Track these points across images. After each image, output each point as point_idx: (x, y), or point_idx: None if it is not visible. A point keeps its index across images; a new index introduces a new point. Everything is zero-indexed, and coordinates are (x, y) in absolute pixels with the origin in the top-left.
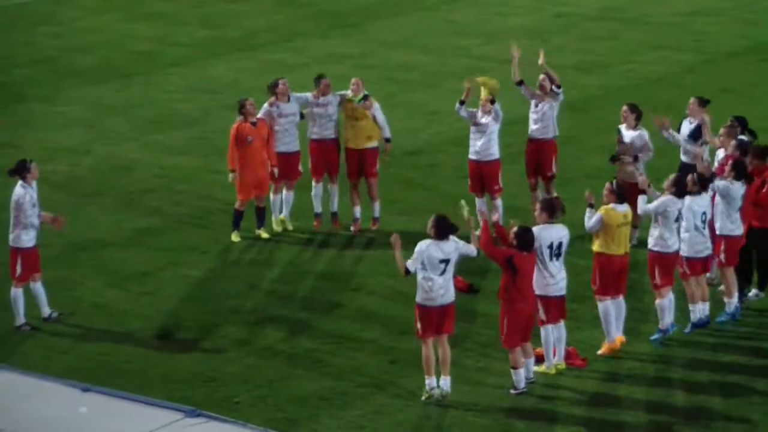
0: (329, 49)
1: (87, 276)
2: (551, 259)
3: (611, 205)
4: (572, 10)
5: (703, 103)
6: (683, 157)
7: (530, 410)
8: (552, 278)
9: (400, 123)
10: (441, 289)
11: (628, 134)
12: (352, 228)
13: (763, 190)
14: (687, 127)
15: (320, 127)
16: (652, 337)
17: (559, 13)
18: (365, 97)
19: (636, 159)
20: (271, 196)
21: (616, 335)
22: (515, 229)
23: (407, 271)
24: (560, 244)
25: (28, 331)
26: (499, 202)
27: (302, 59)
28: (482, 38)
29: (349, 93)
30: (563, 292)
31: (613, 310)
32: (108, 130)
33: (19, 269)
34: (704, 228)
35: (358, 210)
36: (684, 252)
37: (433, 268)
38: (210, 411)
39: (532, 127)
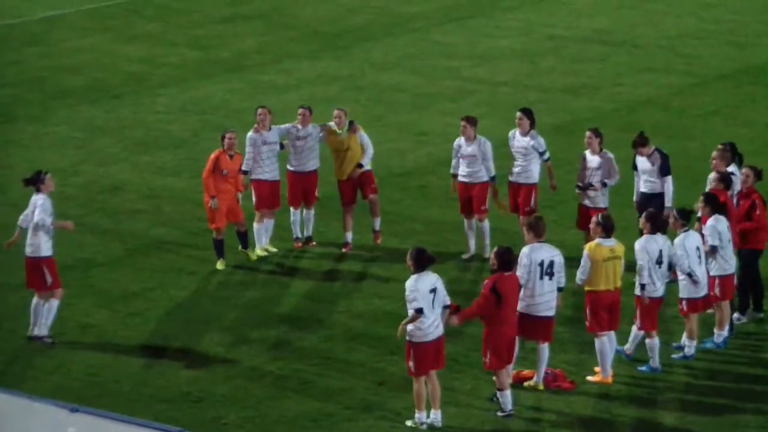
0: (319, 71)
1: (75, 296)
2: (542, 277)
3: (597, 240)
4: (562, 33)
5: (642, 141)
6: (643, 188)
7: None
8: (536, 297)
9: (389, 144)
10: (435, 322)
11: (593, 159)
12: (343, 249)
13: (757, 212)
14: (641, 162)
15: (299, 159)
16: (640, 368)
17: (549, 35)
18: (350, 124)
19: (604, 185)
20: (255, 225)
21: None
22: (495, 249)
23: (419, 311)
24: (551, 263)
25: (47, 344)
26: (486, 224)
27: (292, 81)
28: (472, 60)
29: (332, 125)
30: (550, 313)
31: (609, 346)
32: (97, 150)
33: (49, 278)
34: (701, 264)
35: (350, 235)
36: (682, 293)
37: (427, 301)
38: None
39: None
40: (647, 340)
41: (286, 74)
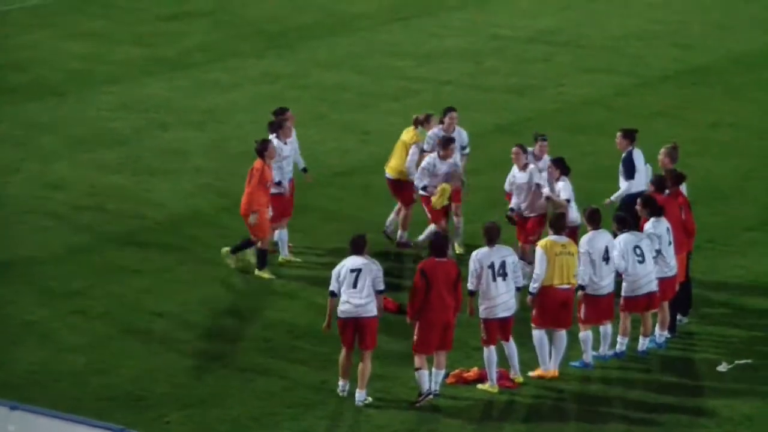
0: (263, 69)
1: (17, 293)
2: (494, 279)
3: (549, 237)
4: (506, 33)
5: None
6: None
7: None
8: (493, 300)
9: (332, 143)
10: (356, 299)
11: (520, 176)
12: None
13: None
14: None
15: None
16: (572, 363)
17: (494, 35)
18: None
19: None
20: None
21: (551, 368)
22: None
23: (332, 293)
24: (503, 264)
25: None
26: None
27: (236, 79)
28: (417, 60)
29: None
30: (507, 314)
31: (546, 339)
32: (39, 147)
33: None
34: (642, 262)
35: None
36: (623, 291)
37: (348, 280)
38: (139, 430)
39: None
40: (581, 333)
41: (230, 72)
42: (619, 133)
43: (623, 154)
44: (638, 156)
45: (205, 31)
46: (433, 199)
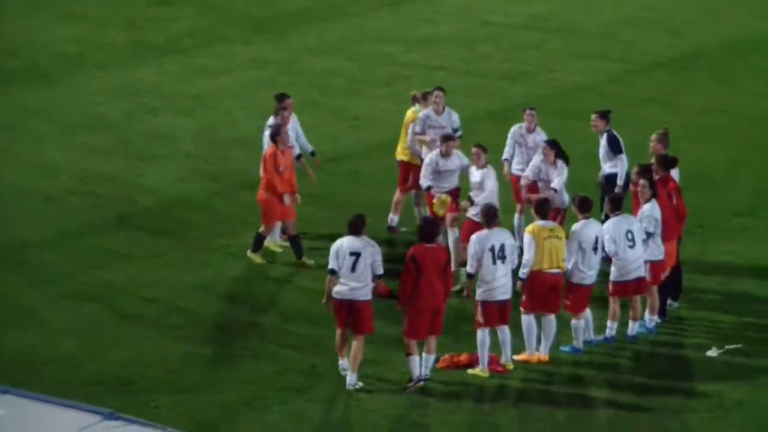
0: (252, 55)
1: (7, 277)
2: (494, 262)
3: (537, 222)
4: (499, 19)
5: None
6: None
7: (456, 416)
8: (492, 283)
9: (322, 130)
10: (352, 282)
11: (477, 173)
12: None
13: (674, 202)
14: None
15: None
16: (562, 348)
17: (486, 21)
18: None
19: (472, 202)
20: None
21: (540, 354)
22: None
23: (331, 271)
24: (502, 247)
25: None
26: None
27: (225, 64)
28: (408, 45)
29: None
30: (505, 297)
31: (535, 325)
32: (30, 131)
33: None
34: (633, 247)
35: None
36: (611, 275)
37: (345, 262)
38: (129, 414)
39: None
40: (572, 321)
41: (219, 58)
42: (594, 115)
43: (604, 135)
44: (617, 135)
45: (194, 16)
46: (433, 202)
